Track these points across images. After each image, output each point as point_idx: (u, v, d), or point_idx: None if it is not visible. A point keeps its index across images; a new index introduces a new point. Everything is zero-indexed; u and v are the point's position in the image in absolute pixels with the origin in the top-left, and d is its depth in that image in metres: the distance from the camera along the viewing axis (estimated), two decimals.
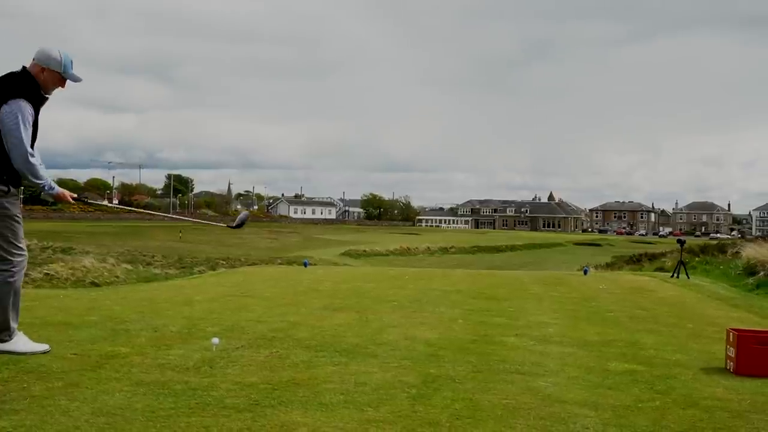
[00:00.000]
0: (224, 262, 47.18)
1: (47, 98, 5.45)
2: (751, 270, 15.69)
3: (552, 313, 8.85)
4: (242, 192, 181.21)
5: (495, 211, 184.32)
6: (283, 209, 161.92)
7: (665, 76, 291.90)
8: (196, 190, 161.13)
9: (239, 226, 5.95)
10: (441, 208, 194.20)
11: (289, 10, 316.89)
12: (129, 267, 38.62)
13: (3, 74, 5.30)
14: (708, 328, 8.02)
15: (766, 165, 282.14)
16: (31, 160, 5.26)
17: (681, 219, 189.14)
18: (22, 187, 5.75)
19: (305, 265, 17.29)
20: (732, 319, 8.87)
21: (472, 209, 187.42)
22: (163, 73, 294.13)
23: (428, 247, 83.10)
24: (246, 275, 14.74)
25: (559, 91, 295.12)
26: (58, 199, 5.72)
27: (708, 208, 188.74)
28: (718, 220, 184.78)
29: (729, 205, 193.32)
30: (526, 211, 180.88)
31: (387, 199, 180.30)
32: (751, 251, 17.18)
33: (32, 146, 5.30)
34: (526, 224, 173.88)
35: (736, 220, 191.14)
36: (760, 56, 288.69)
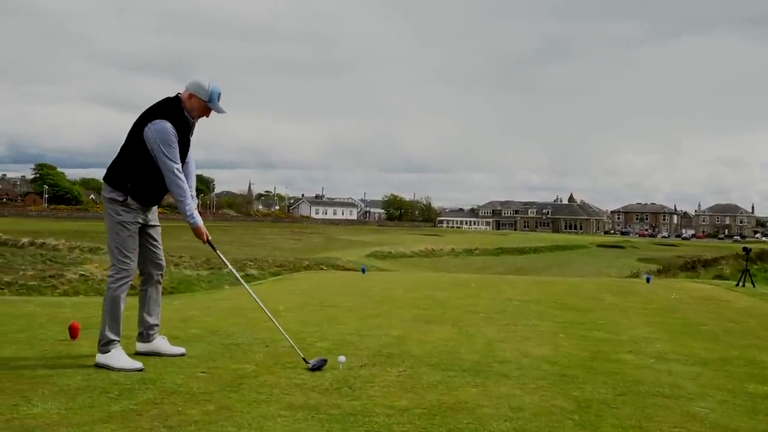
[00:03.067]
0: (252, 263, 47.20)
1: (194, 123, 5.77)
2: None
3: (646, 327, 8.66)
4: (263, 192, 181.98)
5: (516, 212, 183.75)
6: (304, 209, 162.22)
7: (683, 76, 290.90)
8: (216, 190, 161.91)
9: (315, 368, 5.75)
10: (461, 209, 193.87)
11: (305, 9, 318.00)
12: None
13: (160, 99, 5.69)
14: None
15: None
16: (174, 174, 5.53)
17: (704, 221, 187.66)
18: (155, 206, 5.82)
19: (363, 271, 17.22)
20: None
21: (493, 210, 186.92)
22: (180, 72, 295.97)
23: (453, 249, 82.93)
24: (309, 282, 14.61)
25: (576, 91, 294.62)
26: (194, 232, 5.80)
27: (731, 210, 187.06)
28: (741, 222, 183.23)
29: (753, 207, 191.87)
30: (548, 212, 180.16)
31: (408, 199, 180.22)
32: None
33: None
34: (547, 226, 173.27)
35: (760, 223, 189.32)
36: None
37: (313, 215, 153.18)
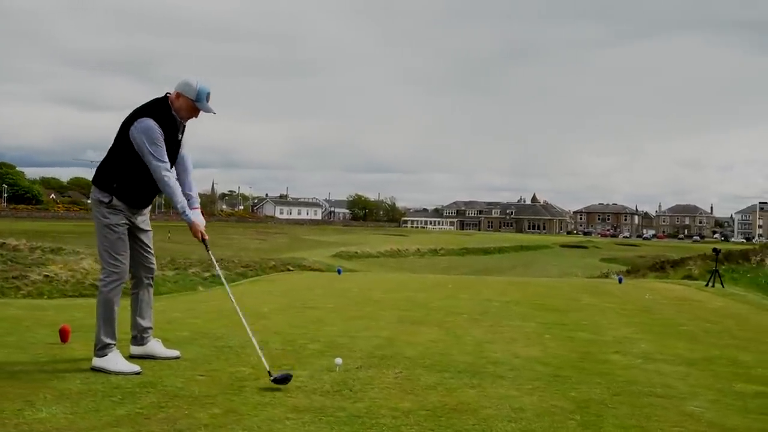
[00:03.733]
0: (217, 264, 46.61)
1: (183, 124, 5.72)
2: None
3: (627, 327, 8.82)
4: (227, 192, 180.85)
5: (480, 212, 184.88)
6: (268, 209, 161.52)
7: (644, 79, 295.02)
8: None
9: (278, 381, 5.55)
10: (425, 209, 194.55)
11: (269, 9, 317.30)
12: None
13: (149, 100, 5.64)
14: None
15: (743, 168, 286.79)
16: (161, 173, 5.47)
17: (664, 221, 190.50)
18: (148, 207, 5.82)
19: (339, 272, 17.25)
20: None
21: (457, 210, 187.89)
22: (142, 72, 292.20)
23: (418, 249, 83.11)
24: (288, 283, 14.60)
25: (539, 93, 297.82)
26: (191, 229, 5.76)
27: (691, 210, 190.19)
28: (701, 222, 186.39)
29: (711, 207, 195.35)
30: (512, 212, 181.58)
31: (372, 200, 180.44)
32: None
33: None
34: (511, 226, 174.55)
35: (719, 223, 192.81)
36: (737, 60, 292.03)
37: (278, 215, 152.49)
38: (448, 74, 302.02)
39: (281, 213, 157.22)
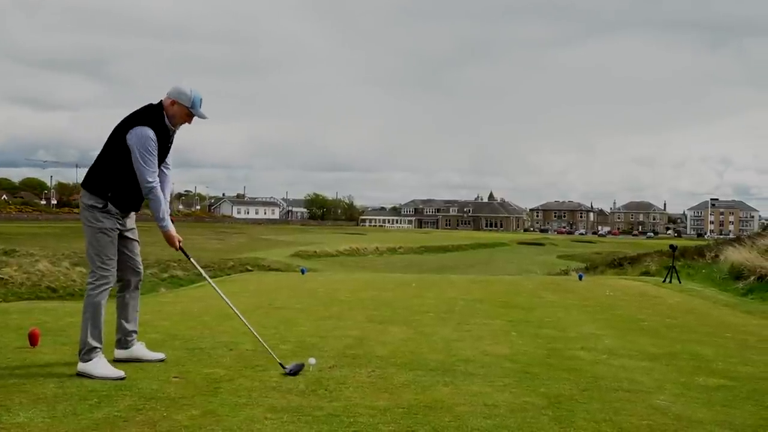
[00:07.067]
0: (176, 264, 46.33)
1: (174, 130, 5.74)
2: (737, 274, 16.13)
3: (591, 323, 8.99)
4: (183, 192, 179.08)
5: (438, 210, 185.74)
6: (226, 209, 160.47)
7: (598, 78, 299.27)
8: None
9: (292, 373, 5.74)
10: (383, 208, 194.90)
11: (226, 9, 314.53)
12: (83, 270, 37.74)
13: (143, 106, 5.64)
14: (749, 338, 8.29)
15: (695, 166, 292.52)
16: (148, 184, 5.53)
17: (619, 218, 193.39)
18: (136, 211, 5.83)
19: (303, 272, 17.25)
20: (760, 327, 9.26)
21: (415, 209, 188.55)
22: (97, 70, 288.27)
23: (377, 248, 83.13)
24: (253, 283, 14.56)
25: (495, 92, 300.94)
26: (165, 237, 5.78)
27: (645, 207, 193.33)
28: (654, 219, 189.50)
29: (665, 204, 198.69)
30: (469, 210, 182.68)
31: (330, 198, 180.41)
32: (733, 255, 17.65)
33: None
34: (469, 224, 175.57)
35: (672, 219, 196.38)
36: (689, 59, 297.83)
37: (235, 215, 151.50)
38: (406, 73, 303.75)
39: (238, 213, 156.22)
